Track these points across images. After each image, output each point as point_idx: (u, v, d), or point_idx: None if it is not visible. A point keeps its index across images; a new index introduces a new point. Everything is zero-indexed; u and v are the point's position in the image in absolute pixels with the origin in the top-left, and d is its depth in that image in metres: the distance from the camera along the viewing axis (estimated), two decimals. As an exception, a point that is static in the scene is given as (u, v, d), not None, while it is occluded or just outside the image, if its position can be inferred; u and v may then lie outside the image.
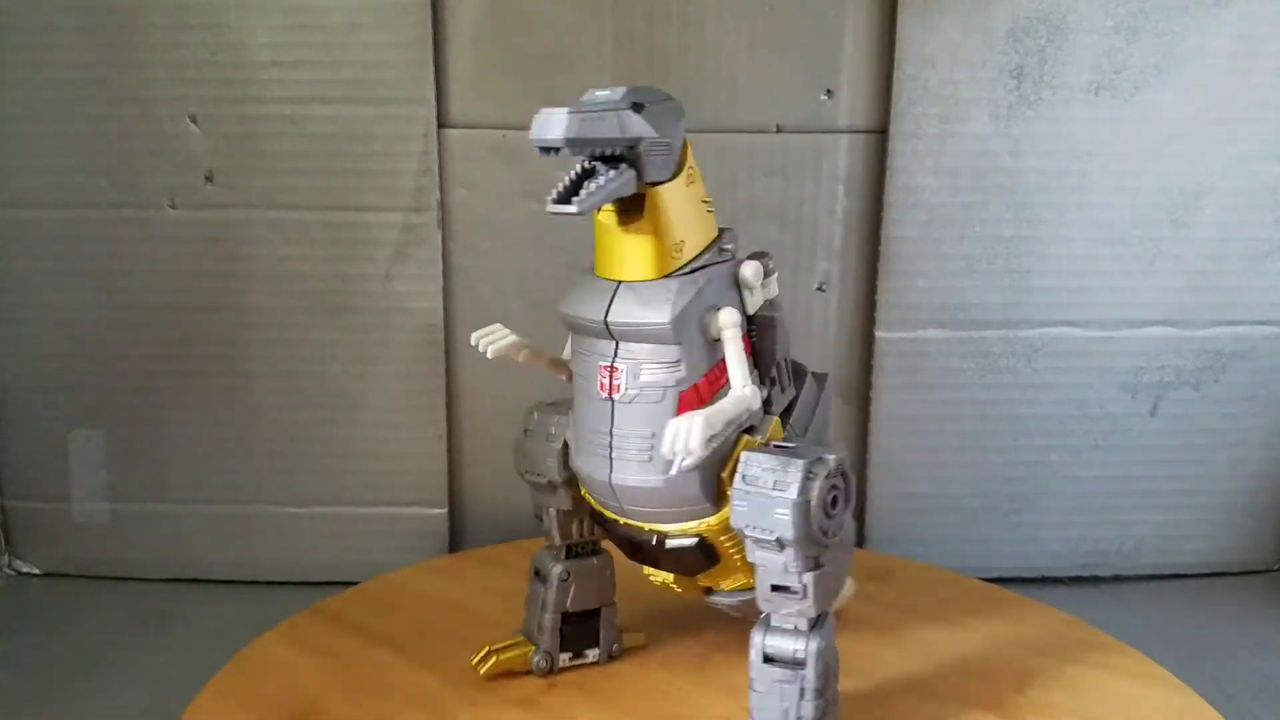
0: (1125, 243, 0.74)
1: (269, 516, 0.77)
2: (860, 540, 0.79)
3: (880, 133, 0.73)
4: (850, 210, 0.74)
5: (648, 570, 0.51)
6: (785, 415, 0.48)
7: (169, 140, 0.72)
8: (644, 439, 0.44)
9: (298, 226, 0.73)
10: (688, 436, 0.39)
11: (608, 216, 0.44)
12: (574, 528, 0.52)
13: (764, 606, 0.44)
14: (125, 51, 0.71)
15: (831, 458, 0.43)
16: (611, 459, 0.45)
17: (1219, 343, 0.76)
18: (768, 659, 0.44)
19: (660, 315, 0.42)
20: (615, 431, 0.44)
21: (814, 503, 0.41)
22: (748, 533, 0.42)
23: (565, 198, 0.40)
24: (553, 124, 0.39)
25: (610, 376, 0.44)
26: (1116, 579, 0.79)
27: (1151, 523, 0.79)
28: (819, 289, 0.76)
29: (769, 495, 0.41)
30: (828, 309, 0.76)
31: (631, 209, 0.43)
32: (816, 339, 0.76)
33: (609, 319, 0.43)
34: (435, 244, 0.73)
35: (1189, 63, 0.72)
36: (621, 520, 0.48)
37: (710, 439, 0.41)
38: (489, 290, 0.75)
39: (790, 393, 0.49)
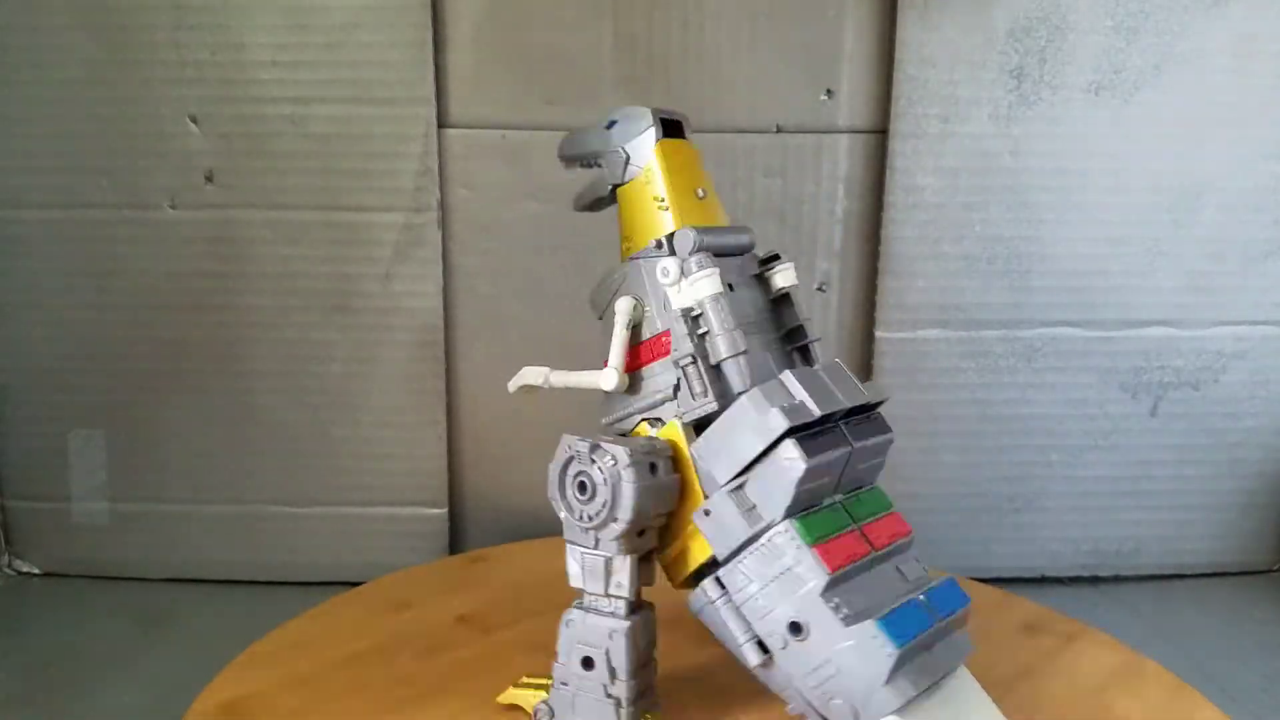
0: (1125, 243, 0.74)
1: (269, 516, 0.77)
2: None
3: (880, 133, 0.73)
4: (850, 210, 0.74)
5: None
6: (702, 427, 0.45)
7: (169, 140, 0.72)
8: None
9: (298, 226, 0.73)
10: (516, 377, 0.49)
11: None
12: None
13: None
14: (125, 52, 0.71)
15: (585, 443, 0.44)
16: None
17: (1219, 343, 0.76)
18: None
19: (590, 293, 0.49)
20: None
21: (554, 474, 0.45)
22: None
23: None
24: (562, 144, 0.51)
25: None
26: (1116, 579, 0.79)
27: (1151, 523, 0.79)
28: (819, 289, 0.76)
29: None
30: (828, 309, 0.76)
31: (609, 206, 0.50)
32: (816, 339, 0.76)
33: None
34: (435, 244, 0.73)
35: (1189, 63, 0.72)
36: None
37: (531, 380, 0.49)
38: (489, 290, 0.75)
39: (711, 405, 0.44)
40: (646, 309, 0.46)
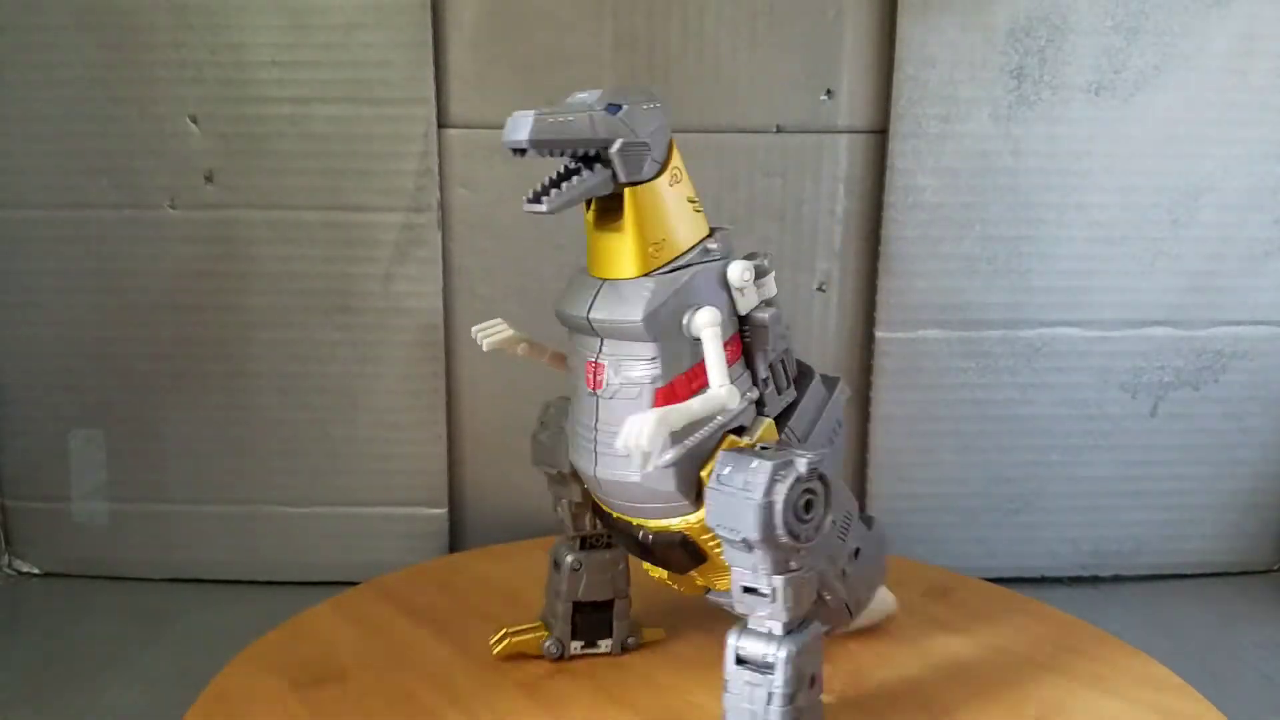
0: (1125, 243, 0.74)
1: (269, 516, 0.77)
2: (860, 540, 0.78)
3: (880, 133, 0.73)
4: (850, 210, 0.74)
5: (646, 565, 0.51)
6: (784, 418, 0.48)
7: (169, 140, 0.72)
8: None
9: (298, 226, 0.73)
10: (639, 434, 0.39)
11: (593, 215, 0.44)
12: (587, 520, 0.53)
13: (738, 608, 0.44)
14: (125, 52, 0.71)
15: (803, 460, 0.42)
16: (596, 453, 0.45)
17: (1219, 343, 0.76)
18: (740, 660, 0.44)
19: (634, 313, 0.43)
20: (599, 426, 0.45)
21: (779, 504, 0.41)
22: (719, 532, 0.43)
23: (538, 197, 0.42)
24: (520, 125, 0.40)
25: (594, 372, 0.45)
26: (1116, 579, 0.79)
27: (1151, 523, 0.79)
28: (819, 289, 0.76)
29: (737, 495, 0.41)
30: (828, 309, 0.76)
31: (611, 208, 0.43)
32: (816, 339, 0.76)
33: (590, 315, 0.44)
34: (435, 244, 0.73)
35: (1189, 63, 0.72)
36: (614, 514, 0.48)
37: (668, 436, 0.41)
38: (489, 290, 0.75)
39: (789, 395, 0.48)
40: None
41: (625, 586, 0.54)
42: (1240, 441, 0.78)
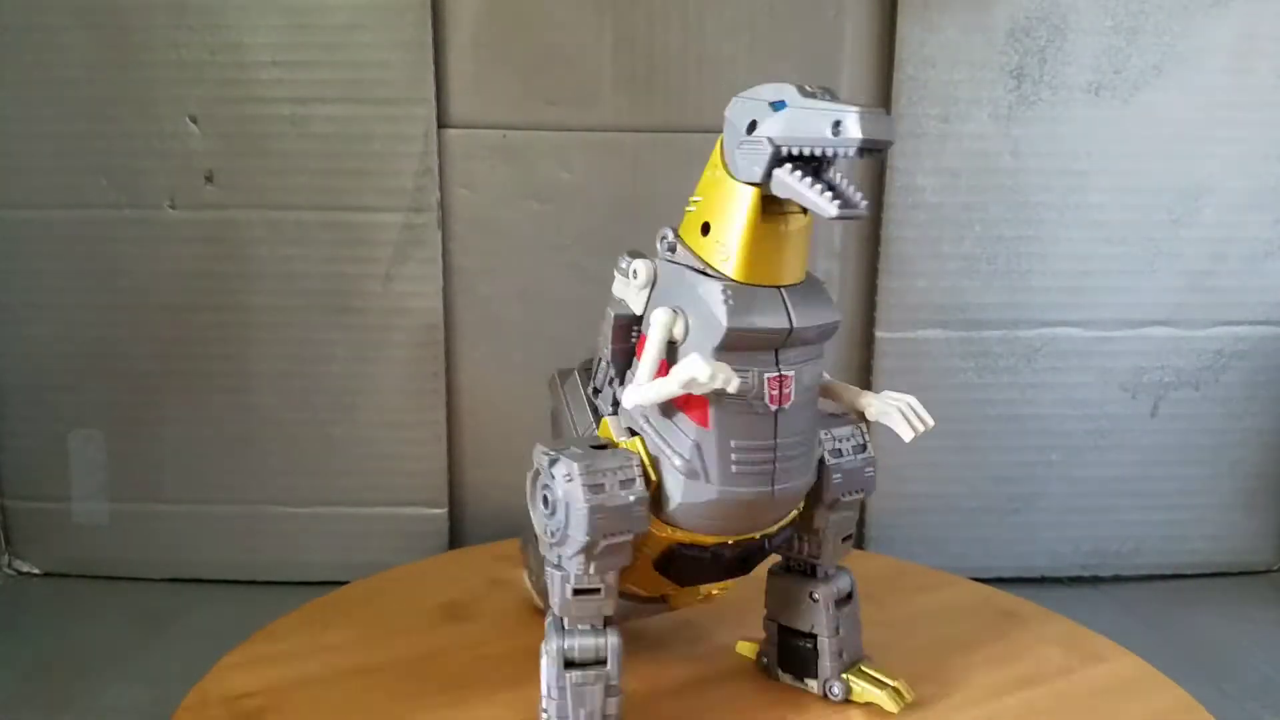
0: (1125, 243, 0.74)
1: (269, 516, 0.77)
2: (860, 541, 0.79)
3: (880, 133, 0.73)
4: (850, 210, 0.74)
5: (702, 590, 0.51)
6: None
7: (169, 140, 0.72)
8: (805, 440, 0.44)
9: (297, 226, 0.73)
10: (919, 410, 0.46)
11: (785, 219, 0.41)
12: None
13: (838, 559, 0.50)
14: (125, 52, 0.71)
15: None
16: (775, 470, 0.43)
17: (1219, 343, 0.76)
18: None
19: (834, 313, 0.43)
20: (780, 441, 0.43)
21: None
22: (845, 498, 0.48)
23: (855, 202, 0.38)
24: (888, 124, 0.37)
25: (781, 386, 0.42)
26: (1116, 579, 0.79)
27: (1151, 523, 0.79)
28: (819, 289, 0.75)
29: (854, 460, 0.49)
30: (828, 309, 0.76)
31: (793, 212, 0.41)
32: (816, 339, 0.76)
33: (798, 325, 0.41)
34: (435, 244, 0.73)
35: (1189, 63, 0.72)
36: (731, 540, 0.46)
37: None
38: (489, 290, 0.75)
39: None
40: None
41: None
42: (1240, 441, 0.78)
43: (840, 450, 0.47)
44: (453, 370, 0.76)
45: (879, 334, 0.75)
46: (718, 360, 0.41)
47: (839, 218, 0.38)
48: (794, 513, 0.47)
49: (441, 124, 0.72)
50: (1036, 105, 0.72)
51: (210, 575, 0.78)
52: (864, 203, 0.38)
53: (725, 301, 0.41)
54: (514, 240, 0.74)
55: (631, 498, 0.42)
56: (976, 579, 0.68)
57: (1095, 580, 0.79)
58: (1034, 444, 0.77)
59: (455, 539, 0.78)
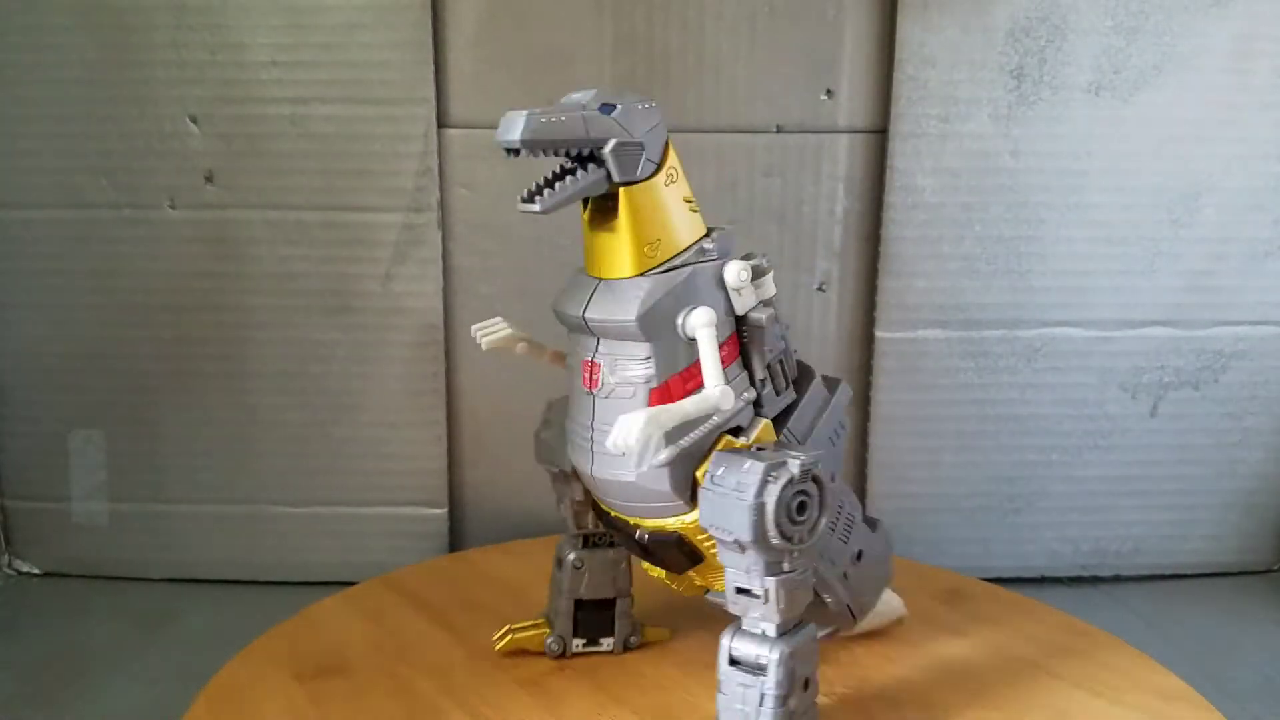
0: (1125, 243, 0.74)
1: (268, 517, 0.77)
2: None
3: (880, 133, 0.73)
4: (850, 210, 0.74)
5: (645, 564, 0.51)
6: (783, 419, 0.48)
7: (169, 140, 0.72)
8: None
9: (297, 226, 0.73)
10: (629, 433, 0.39)
11: (587, 215, 0.45)
12: (589, 518, 0.53)
13: (732, 609, 0.44)
14: (125, 52, 0.71)
15: (796, 461, 0.41)
16: (593, 452, 0.45)
17: (1219, 343, 0.76)
18: (733, 661, 0.44)
19: (628, 312, 0.43)
20: (595, 425, 0.45)
21: (770, 505, 0.40)
22: (712, 532, 0.43)
23: (532, 196, 0.42)
24: (512, 125, 0.40)
25: (591, 371, 0.45)
26: (1116, 579, 0.79)
27: (1151, 523, 0.79)
28: (819, 289, 0.76)
29: (729, 495, 0.41)
30: (828, 309, 0.76)
31: (606, 208, 0.43)
32: (816, 339, 0.76)
33: (586, 315, 0.44)
34: (435, 244, 0.73)
35: (1188, 63, 0.72)
36: (612, 513, 0.48)
37: (661, 436, 0.41)
38: (489, 290, 0.75)
39: (788, 396, 0.48)
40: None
41: (627, 585, 0.54)
42: (1240, 441, 0.78)
43: (719, 478, 0.43)
44: (453, 370, 0.76)
45: (879, 334, 0.75)
46: (567, 338, 0.47)
47: (519, 210, 0.42)
48: (671, 522, 0.46)
49: (441, 124, 0.72)
50: (1036, 105, 0.72)
51: (210, 575, 0.78)
52: (536, 204, 0.41)
53: (566, 284, 0.46)
54: (514, 240, 0.74)
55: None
56: (976, 579, 0.68)
57: (1095, 580, 0.79)
58: (1034, 444, 0.77)
59: (455, 539, 0.78)
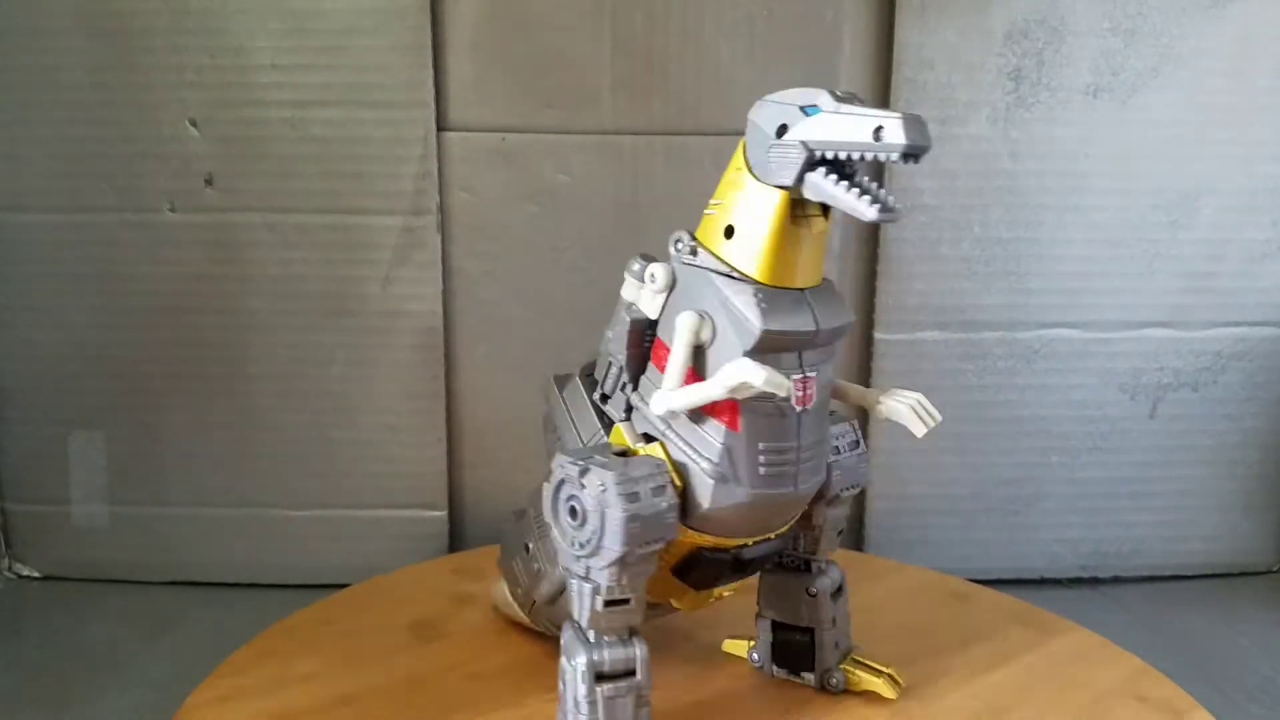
0: (1124, 244, 0.74)
1: (269, 519, 0.77)
2: (860, 542, 0.79)
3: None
4: (849, 212, 0.74)
5: (715, 592, 0.50)
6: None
7: (169, 143, 0.72)
8: (823, 440, 0.45)
9: (297, 230, 0.73)
10: (927, 406, 0.46)
11: (809, 222, 0.41)
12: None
13: (828, 550, 0.50)
14: (125, 55, 0.71)
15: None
16: (798, 469, 0.43)
17: (1218, 344, 0.76)
18: None
19: (850, 314, 0.44)
20: (801, 442, 0.43)
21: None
22: (844, 494, 0.49)
23: (890, 206, 0.38)
24: (925, 130, 0.37)
25: (805, 387, 0.43)
26: (1116, 580, 0.79)
27: (1151, 524, 0.79)
28: (818, 291, 0.76)
29: (851, 456, 0.49)
30: (827, 311, 0.76)
31: (819, 215, 0.41)
32: (816, 341, 0.76)
33: (820, 325, 0.42)
34: (434, 247, 0.73)
35: (1186, 65, 0.72)
36: (752, 541, 0.46)
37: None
38: (488, 293, 0.75)
39: None
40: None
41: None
42: (1240, 442, 0.78)
43: (839, 447, 0.48)
44: (452, 373, 0.76)
45: (878, 335, 0.75)
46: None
47: (878, 220, 0.38)
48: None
49: (441, 127, 0.72)
50: (1035, 107, 0.72)
51: (210, 578, 0.78)
52: (897, 205, 0.38)
53: (759, 304, 0.41)
54: (513, 243, 0.74)
55: (664, 505, 0.42)
56: (976, 580, 0.68)
57: (1095, 581, 0.79)
58: (1033, 445, 0.77)
59: (455, 541, 0.78)
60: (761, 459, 0.42)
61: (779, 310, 0.41)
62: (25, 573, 0.79)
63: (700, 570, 0.46)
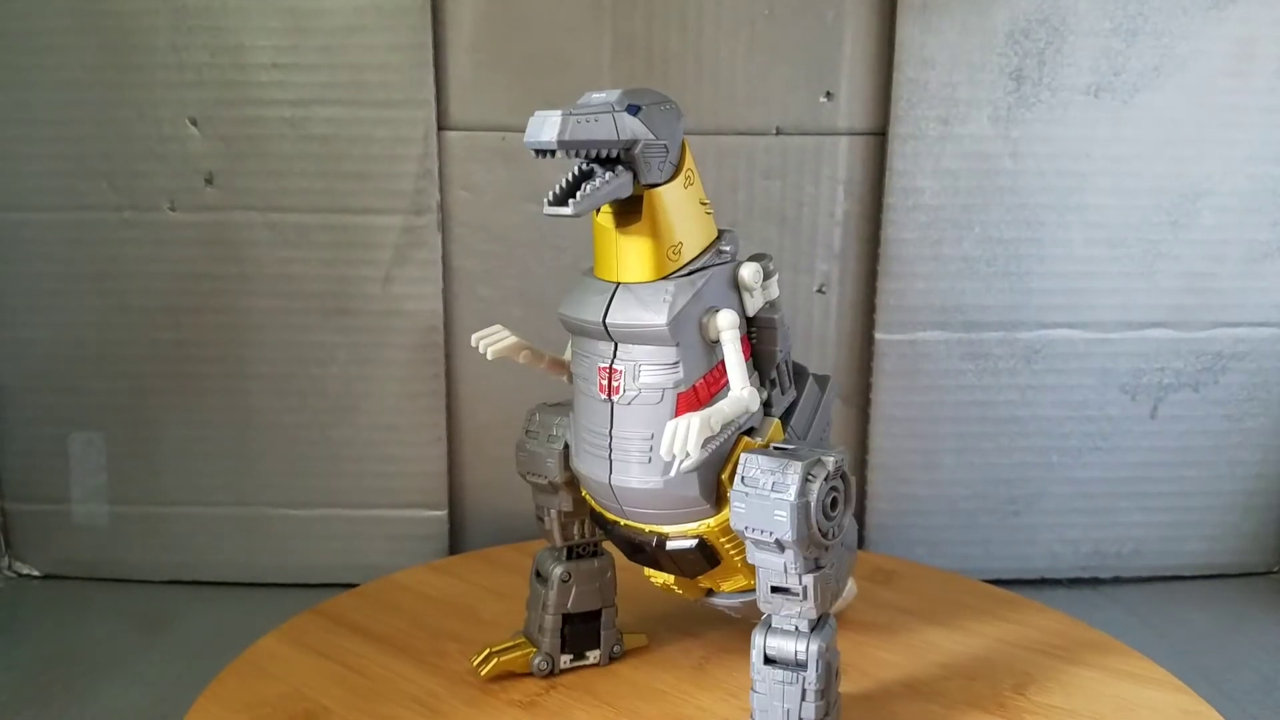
0: (1124, 244, 0.74)
1: (268, 519, 0.77)
2: (860, 542, 0.79)
3: (880, 134, 0.73)
4: (850, 212, 0.74)
5: (648, 572, 0.51)
6: (785, 417, 0.48)
7: (169, 143, 0.72)
8: (643, 440, 0.44)
9: (297, 229, 0.73)
10: (685, 438, 0.40)
11: (606, 218, 0.44)
12: (575, 529, 0.53)
13: (764, 608, 0.44)
14: (125, 54, 0.71)
15: (830, 459, 0.43)
16: (611, 460, 0.45)
17: (1218, 344, 0.76)
18: (769, 660, 0.44)
19: (658, 317, 0.42)
20: (615, 433, 0.45)
21: (813, 504, 0.41)
22: (747, 535, 0.43)
23: (562, 199, 0.41)
24: (546, 126, 0.39)
25: (609, 378, 0.44)
26: (1116, 580, 0.79)
27: (1151, 524, 0.79)
28: (819, 291, 0.76)
29: (768, 496, 0.42)
30: (827, 311, 0.76)
31: (629, 211, 0.43)
32: (816, 341, 0.76)
33: (607, 320, 0.43)
34: (435, 246, 0.73)
35: (1188, 65, 0.72)
36: (621, 522, 0.48)
37: (707, 440, 0.42)
38: (489, 292, 0.75)
39: (791, 395, 0.49)
40: None
41: (613, 594, 0.54)
42: (1240, 443, 0.78)
43: (751, 479, 0.42)
44: (453, 372, 0.76)
45: (878, 336, 0.75)
46: (573, 345, 0.47)
47: (546, 213, 0.41)
48: (695, 526, 0.46)
49: (441, 126, 0.72)
50: (1036, 107, 0.72)
51: (210, 577, 0.78)
52: (569, 207, 0.40)
53: (572, 290, 0.45)
54: (514, 242, 0.74)
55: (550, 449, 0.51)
56: (976, 580, 0.68)
57: (1095, 582, 0.79)
58: (1034, 445, 0.77)
59: (455, 541, 0.78)
60: (582, 435, 0.46)
61: (579, 298, 0.45)
62: (25, 571, 0.79)
63: (620, 544, 0.49)
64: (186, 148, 0.72)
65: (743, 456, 0.43)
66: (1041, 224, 0.74)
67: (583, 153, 0.40)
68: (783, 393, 0.48)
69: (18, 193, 0.73)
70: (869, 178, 0.73)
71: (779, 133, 0.73)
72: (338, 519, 0.77)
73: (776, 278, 0.47)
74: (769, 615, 0.45)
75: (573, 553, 0.53)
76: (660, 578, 0.51)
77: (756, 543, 0.43)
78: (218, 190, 0.73)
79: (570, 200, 0.40)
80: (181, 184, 0.73)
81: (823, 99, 0.72)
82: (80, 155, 0.72)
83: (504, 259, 0.75)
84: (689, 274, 0.43)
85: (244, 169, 0.72)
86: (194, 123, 0.72)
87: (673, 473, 0.43)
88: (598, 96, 0.42)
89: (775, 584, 0.43)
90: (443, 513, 0.77)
